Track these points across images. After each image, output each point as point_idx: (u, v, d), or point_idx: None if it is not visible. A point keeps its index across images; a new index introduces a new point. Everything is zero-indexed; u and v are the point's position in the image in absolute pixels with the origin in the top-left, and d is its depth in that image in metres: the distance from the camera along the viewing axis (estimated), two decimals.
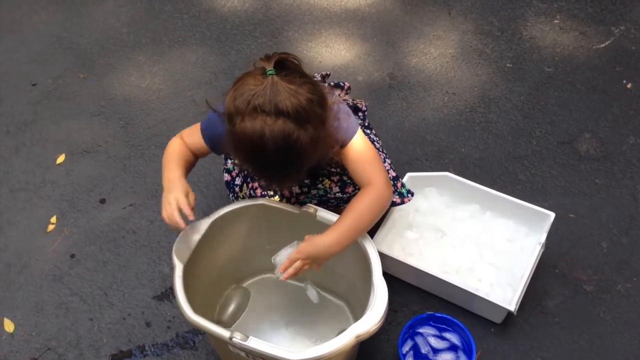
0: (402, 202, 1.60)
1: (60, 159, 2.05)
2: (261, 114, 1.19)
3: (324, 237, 1.37)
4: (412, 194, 1.62)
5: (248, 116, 1.20)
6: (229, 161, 1.66)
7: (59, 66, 2.34)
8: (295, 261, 1.36)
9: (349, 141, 1.39)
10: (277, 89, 1.20)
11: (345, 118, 1.38)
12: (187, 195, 1.36)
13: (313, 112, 1.22)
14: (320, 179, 1.57)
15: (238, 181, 1.62)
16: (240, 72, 2.32)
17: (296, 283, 1.66)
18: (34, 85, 2.26)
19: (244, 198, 1.59)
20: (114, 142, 2.09)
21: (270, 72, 1.22)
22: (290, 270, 1.36)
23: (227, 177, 1.66)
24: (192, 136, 1.48)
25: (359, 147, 1.40)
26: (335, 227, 1.38)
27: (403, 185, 1.60)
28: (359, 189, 1.54)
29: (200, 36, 2.40)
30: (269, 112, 1.19)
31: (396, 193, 1.58)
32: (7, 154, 2.08)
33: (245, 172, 1.59)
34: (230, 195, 1.66)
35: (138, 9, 2.52)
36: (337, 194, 1.57)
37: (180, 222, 1.35)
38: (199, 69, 2.30)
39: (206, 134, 1.45)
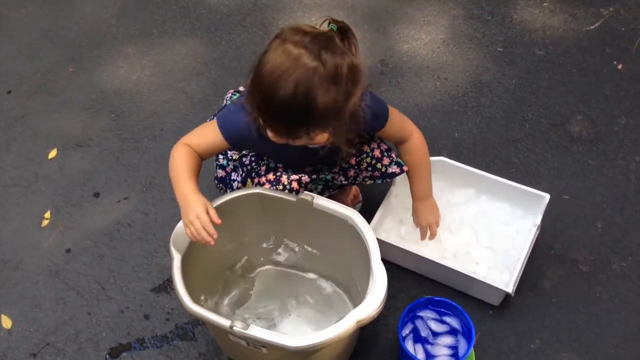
0: (402, 172, 1.60)
1: (52, 153, 2.03)
2: (302, 49, 1.18)
3: (422, 195, 1.60)
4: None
5: (290, 44, 1.19)
6: (221, 157, 1.64)
7: (47, 60, 2.31)
8: (427, 228, 1.62)
9: (383, 126, 1.46)
10: (331, 40, 1.20)
11: (375, 104, 1.42)
12: (207, 211, 1.32)
13: (346, 80, 1.21)
14: (321, 169, 1.57)
15: (235, 176, 1.61)
16: (231, 62, 2.34)
17: (300, 273, 1.67)
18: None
19: None
20: (106, 135, 2.08)
21: (332, 26, 1.24)
22: (430, 237, 1.64)
23: (221, 173, 1.65)
24: (204, 138, 1.43)
25: (393, 120, 1.47)
26: (420, 183, 1.60)
27: (397, 155, 1.61)
28: (358, 169, 1.55)
29: (190, 27, 2.39)
30: (311, 51, 1.18)
31: (394, 163, 1.58)
32: None
33: (249, 167, 1.58)
34: (228, 191, 1.64)
35: (126, 1, 2.50)
36: (344, 182, 1.59)
37: (209, 240, 1.31)
38: (190, 60, 2.28)
39: (225, 128, 1.41)
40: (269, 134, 1.31)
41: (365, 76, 1.28)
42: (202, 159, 1.46)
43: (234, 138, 1.42)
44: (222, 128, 1.41)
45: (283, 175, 1.49)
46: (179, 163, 1.40)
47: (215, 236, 1.31)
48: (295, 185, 1.48)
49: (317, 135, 1.29)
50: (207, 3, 2.46)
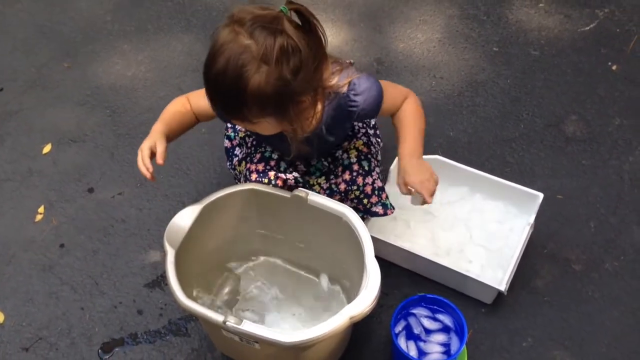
0: (385, 214, 1.58)
1: (47, 148, 2.03)
2: (241, 28, 1.18)
3: (408, 152, 1.45)
4: (394, 208, 1.60)
5: (235, 22, 1.20)
6: (229, 127, 1.66)
7: (42, 55, 2.31)
8: (412, 186, 1.42)
9: (379, 111, 1.44)
10: (272, 21, 1.19)
11: (366, 90, 1.39)
12: (153, 147, 1.38)
13: (276, 61, 1.18)
14: (310, 181, 1.57)
15: (237, 152, 1.63)
16: None
17: (293, 269, 1.67)
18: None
19: (240, 173, 1.58)
20: (101, 130, 2.07)
21: (283, 8, 1.22)
22: (427, 194, 1.41)
23: (227, 143, 1.67)
24: (198, 97, 1.48)
25: (386, 100, 1.44)
26: (406, 138, 1.47)
27: (387, 197, 1.59)
28: (344, 197, 1.55)
29: (186, 23, 2.39)
30: (246, 29, 1.18)
31: (380, 204, 1.56)
32: None
33: (248, 150, 1.58)
34: (228, 163, 1.66)
35: None
36: None
37: (145, 173, 1.37)
38: (185, 56, 2.28)
39: None
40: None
41: (313, 62, 1.24)
42: (197, 119, 1.52)
43: None
44: None
45: (271, 171, 1.50)
46: (166, 109, 1.50)
47: (150, 170, 1.37)
48: (280, 183, 1.48)
49: (260, 121, 1.27)
50: (203, 0, 2.46)
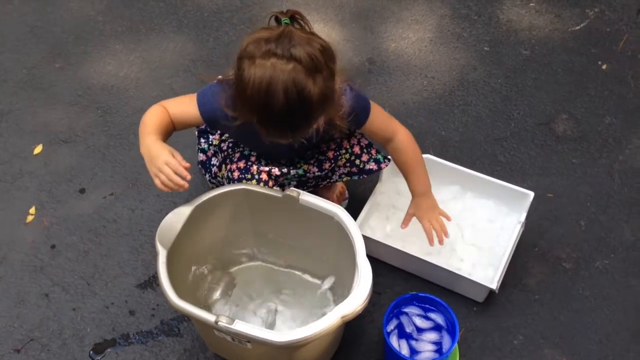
0: (380, 169, 1.62)
1: (38, 149, 2.02)
2: (273, 58, 1.20)
3: (421, 190, 1.57)
4: (389, 159, 1.62)
5: (260, 59, 1.20)
6: (202, 140, 1.66)
7: (34, 56, 2.30)
8: (430, 227, 1.56)
9: (366, 120, 1.45)
10: (292, 36, 1.21)
11: (356, 100, 1.42)
12: (174, 156, 1.30)
13: (325, 63, 1.23)
14: (298, 162, 1.58)
15: (214, 161, 1.62)
16: (219, 60, 2.33)
17: (284, 269, 1.67)
18: None
19: (222, 178, 1.58)
20: (92, 131, 2.07)
21: (285, 21, 1.27)
22: (436, 228, 1.56)
23: (202, 157, 1.66)
24: (180, 106, 1.44)
25: (376, 117, 1.47)
26: (417, 178, 1.56)
27: (378, 151, 1.61)
28: (335, 164, 1.56)
29: (177, 24, 2.38)
30: (281, 56, 1.20)
31: (372, 160, 1.59)
32: None
33: (225, 154, 1.58)
34: (207, 175, 1.66)
35: None
36: (317, 173, 1.58)
37: (182, 183, 1.28)
38: (177, 56, 2.28)
39: (202, 104, 1.43)
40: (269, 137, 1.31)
41: (329, 44, 1.30)
42: (175, 128, 1.45)
43: (209, 115, 1.43)
44: (200, 103, 1.43)
45: (253, 166, 1.50)
46: (148, 118, 1.40)
47: (188, 178, 1.29)
48: (264, 176, 1.48)
49: (316, 123, 1.31)
50: (195, 0, 2.46)
